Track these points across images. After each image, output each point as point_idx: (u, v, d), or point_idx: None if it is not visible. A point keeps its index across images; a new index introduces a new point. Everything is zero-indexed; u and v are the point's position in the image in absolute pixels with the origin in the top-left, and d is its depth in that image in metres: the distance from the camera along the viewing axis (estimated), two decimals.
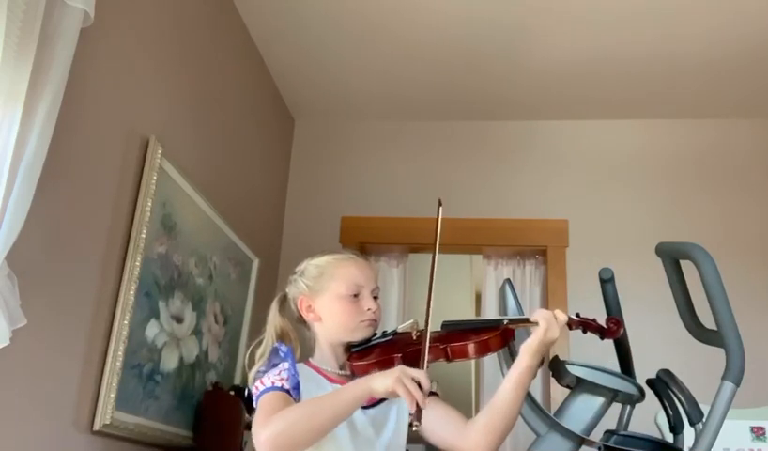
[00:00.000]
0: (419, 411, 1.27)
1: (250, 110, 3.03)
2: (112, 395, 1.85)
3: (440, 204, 1.56)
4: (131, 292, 1.94)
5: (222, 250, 2.62)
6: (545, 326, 1.44)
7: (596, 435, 1.65)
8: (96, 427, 1.81)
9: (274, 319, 1.61)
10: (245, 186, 2.97)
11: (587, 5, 2.65)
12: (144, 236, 2.00)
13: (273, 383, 1.42)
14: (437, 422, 1.51)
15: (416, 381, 1.28)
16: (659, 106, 3.31)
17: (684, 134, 3.37)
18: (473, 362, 3.91)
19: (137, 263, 1.97)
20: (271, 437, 1.30)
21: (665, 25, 2.74)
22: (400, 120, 3.56)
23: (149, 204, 2.04)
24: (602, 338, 1.59)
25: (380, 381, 1.31)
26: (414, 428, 1.33)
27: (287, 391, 1.41)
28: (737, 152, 3.31)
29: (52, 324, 1.66)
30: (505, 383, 1.46)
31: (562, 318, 1.47)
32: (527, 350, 1.44)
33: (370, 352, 1.53)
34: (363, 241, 3.34)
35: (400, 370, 1.30)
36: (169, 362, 2.19)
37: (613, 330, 1.58)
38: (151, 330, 2.07)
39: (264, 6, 2.78)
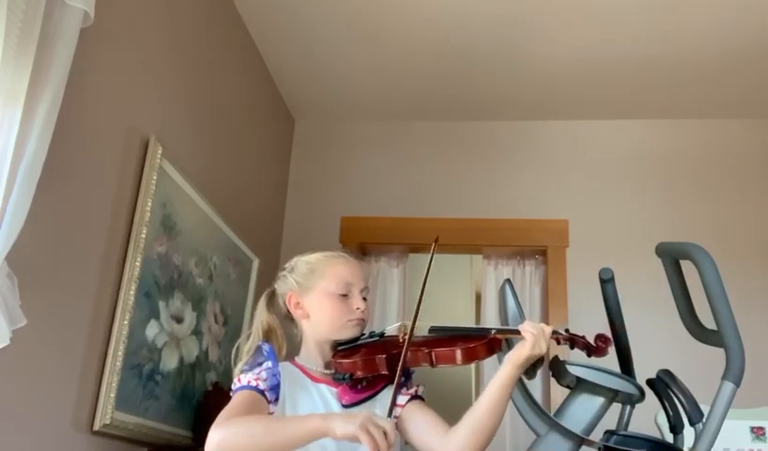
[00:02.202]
0: None
1: (250, 110, 3.03)
2: (112, 395, 1.85)
3: (437, 241, 1.55)
4: (131, 292, 1.94)
5: (221, 250, 2.62)
6: (533, 341, 1.44)
7: (596, 435, 1.65)
8: (96, 428, 1.81)
9: (262, 315, 1.62)
10: (245, 186, 2.97)
11: (586, 5, 2.65)
12: (144, 236, 2.00)
13: (249, 382, 1.43)
14: (420, 428, 1.51)
15: (382, 430, 1.23)
16: (659, 106, 3.31)
17: (685, 134, 3.37)
18: (474, 365, 3.91)
19: (137, 263, 1.97)
20: (220, 440, 1.30)
21: (665, 25, 2.74)
22: (400, 120, 3.56)
23: (149, 204, 2.04)
24: (589, 356, 1.59)
25: (343, 424, 1.25)
26: None
27: (262, 391, 1.42)
28: (737, 152, 3.31)
29: (52, 324, 1.66)
30: (486, 391, 1.46)
31: (548, 331, 1.47)
32: (511, 361, 1.45)
33: (356, 352, 1.53)
34: (363, 241, 3.35)
35: (366, 417, 1.25)
36: (169, 362, 2.19)
37: (601, 348, 1.58)
38: (151, 330, 2.07)
39: (264, 5, 2.78)
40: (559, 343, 1.61)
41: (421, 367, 1.52)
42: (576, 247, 3.21)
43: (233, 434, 1.30)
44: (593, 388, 1.64)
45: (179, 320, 2.26)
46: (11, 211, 1.36)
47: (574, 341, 1.58)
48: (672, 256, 1.81)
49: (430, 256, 1.53)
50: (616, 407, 1.72)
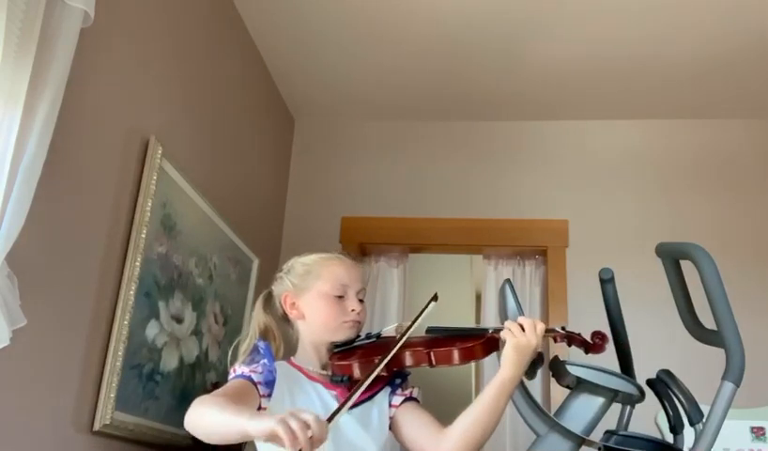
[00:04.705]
0: None
1: (250, 110, 3.03)
2: (112, 395, 1.85)
3: (435, 298, 1.56)
4: (131, 292, 1.94)
5: (221, 250, 2.61)
6: (509, 335, 1.45)
7: (596, 435, 1.65)
8: (96, 428, 1.81)
9: (258, 316, 1.63)
10: (245, 186, 2.97)
11: (586, 5, 2.65)
12: (144, 236, 2.00)
13: (243, 372, 1.44)
14: (413, 428, 1.51)
15: (304, 424, 1.08)
16: (659, 106, 3.31)
17: (685, 135, 3.37)
18: (473, 364, 3.92)
19: (137, 263, 1.97)
20: (188, 414, 1.29)
21: (664, 25, 2.74)
22: (400, 120, 3.56)
23: (149, 204, 2.04)
24: (586, 353, 1.59)
25: (260, 421, 1.12)
26: None
27: (255, 383, 1.42)
28: (738, 152, 3.31)
29: (52, 324, 1.66)
30: (484, 392, 1.47)
31: (540, 327, 1.47)
32: (503, 360, 1.46)
33: (352, 354, 1.53)
34: (363, 241, 3.35)
35: (289, 411, 1.11)
36: (169, 362, 2.19)
37: (598, 345, 1.58)
38: (151, 330, 2.07)
39: (264, 5, 2.78)
40: (556, 341, 1.61)
41: (420, 368, 1.53)
42: (576, 247, 3.22)
43: (193, 410, 1.29)
44: (593, 388, 1.64)
45: (179, 320, 2.26)
46: (11, 211, 1.36)
47: (571, 339, 1.58)
48: (672, 257, 1.81)
49: (424, 306, 1.53)
50: (616, 407, 1.73)
